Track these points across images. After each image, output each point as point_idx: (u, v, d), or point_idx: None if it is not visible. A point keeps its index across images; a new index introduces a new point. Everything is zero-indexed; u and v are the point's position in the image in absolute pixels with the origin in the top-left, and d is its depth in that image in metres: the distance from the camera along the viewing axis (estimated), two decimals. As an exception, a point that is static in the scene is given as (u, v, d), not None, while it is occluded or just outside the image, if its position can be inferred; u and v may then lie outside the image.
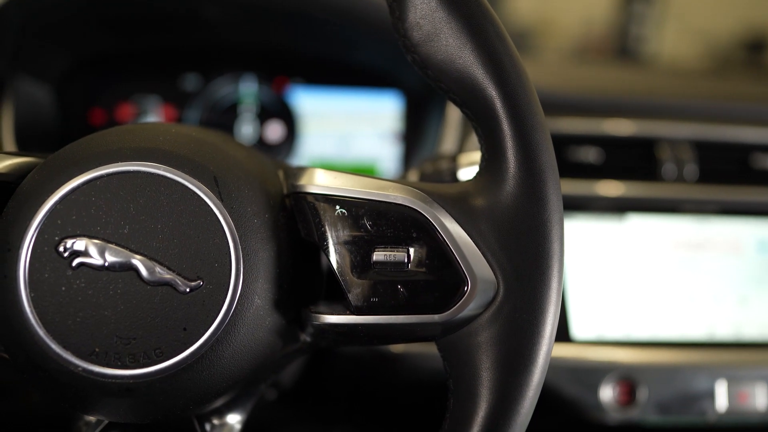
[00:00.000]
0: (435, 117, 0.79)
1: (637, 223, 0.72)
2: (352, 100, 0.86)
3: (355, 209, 0.36)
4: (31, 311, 0.33)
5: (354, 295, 0.36)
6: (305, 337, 0.40)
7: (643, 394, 0.65)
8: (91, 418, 0.43)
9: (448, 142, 0.74)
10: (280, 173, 0.42)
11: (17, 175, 0.38)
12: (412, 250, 0.36)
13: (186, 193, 0.35)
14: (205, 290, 0.34)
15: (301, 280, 0.40)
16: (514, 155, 0.35)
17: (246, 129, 0.85)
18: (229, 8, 0.76)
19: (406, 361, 0.64)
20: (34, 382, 0.35)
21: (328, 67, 0.86)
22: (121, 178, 0.34)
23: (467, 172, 0.52)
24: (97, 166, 0.34)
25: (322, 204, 0.36)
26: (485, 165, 0.37)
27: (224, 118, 0.85)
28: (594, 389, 0.65)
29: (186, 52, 0.85)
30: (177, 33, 0.82)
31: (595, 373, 0.65)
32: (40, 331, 0.33)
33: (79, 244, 0.33)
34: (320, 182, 0.37)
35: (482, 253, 0.36)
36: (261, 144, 0.86)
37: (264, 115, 0.86)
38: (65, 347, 0.33)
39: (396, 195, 0.36)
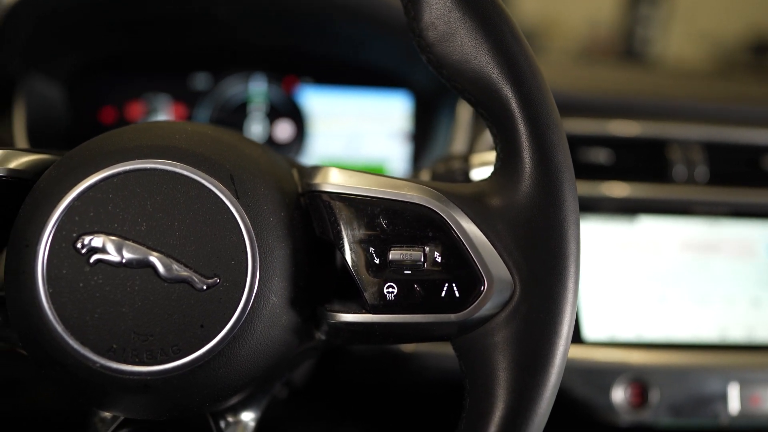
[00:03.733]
0: (445, 117, 0.79)
1: (647, 224, 0.72)
2: (362, 99, 0.86)
3: (371, 208, 0.36)
4: (50, 307, 0.33)
5: (370, 294, 0.36)
6: (320, 335, 0.40)
7: (655, 395, 0.65)
8: (107, 414, 0.43)
9: (459, 142, 0.73)
10: (295, 172, 0.42)
11: (33, 172, 0.38)
12: (428, 249, 0.36)
13: (202, 191, 0.35)
14: (221, 287, 0.34)
15: (316, 278, 0.40)
16: (530, 155, 0.35)
17: (255, 128, 0.86)
18: (239, 8, 0.77)
19: (417, 361, 0.64)
20: (51, 377, 0.35)
21: (338, 67, 0.86)
22: (139, 176, 0.34)
23: (479, 173, 0.52)
24: (114, 164, 0.34)
25: (337, 203, 0.36)
26: (501, 165, 0.37)
27: (234, 117, 0.85)
28: (606, 391, 0.65)
29: (196, 51, 0.85)
30: (188, 33, 0.82)
31: (607, 375, 0.65)
32: (59, 327, 0.33)
33: (97, 241, 0.33)
34: (335, 181, 0.37)
35: (498, 253, 0.35)
36: (270, 143, 0.86)
37: (273, 114, 0.86)
38: (83, 343, 0.33)
39: (412, 194, 0.36)
